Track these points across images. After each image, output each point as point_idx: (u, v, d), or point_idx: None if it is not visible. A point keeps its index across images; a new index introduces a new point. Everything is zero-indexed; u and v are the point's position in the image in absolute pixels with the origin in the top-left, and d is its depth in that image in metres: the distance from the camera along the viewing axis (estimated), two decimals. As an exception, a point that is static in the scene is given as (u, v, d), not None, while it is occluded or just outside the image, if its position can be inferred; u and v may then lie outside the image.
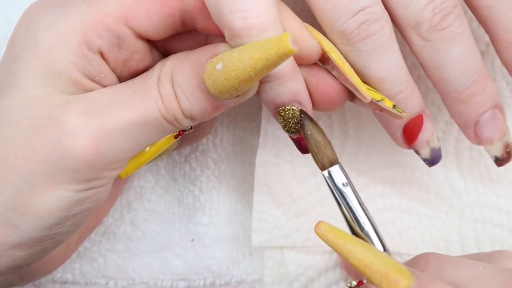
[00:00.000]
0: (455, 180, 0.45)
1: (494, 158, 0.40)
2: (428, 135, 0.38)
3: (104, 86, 0.33)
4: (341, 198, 0.34)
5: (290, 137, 0.36)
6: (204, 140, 0.47)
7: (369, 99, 0.34)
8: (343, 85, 0.35)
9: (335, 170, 0.34)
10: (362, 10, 0.34)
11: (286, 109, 0.34)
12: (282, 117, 0.34)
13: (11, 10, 0.40)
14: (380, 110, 0.36)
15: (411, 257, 0.43)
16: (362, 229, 0.33)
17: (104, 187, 0.33)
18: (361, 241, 0.31)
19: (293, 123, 0.34)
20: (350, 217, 0.34)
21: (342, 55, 0.36)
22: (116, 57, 0.33)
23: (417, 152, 0.39)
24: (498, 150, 0.39)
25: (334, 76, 0.35)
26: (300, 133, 0.34)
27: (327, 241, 0.30)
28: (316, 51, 0.34)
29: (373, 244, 0.33)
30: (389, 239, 0.45)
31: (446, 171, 0.45)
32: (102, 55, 0.33)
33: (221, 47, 0.32)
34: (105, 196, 0.34)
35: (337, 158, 0.34)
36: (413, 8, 0.35)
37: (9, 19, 0.43)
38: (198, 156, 0.48)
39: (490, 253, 0.35)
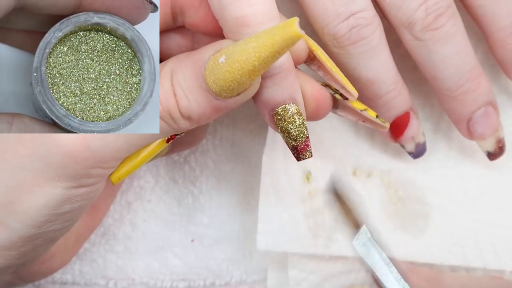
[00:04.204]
0: (469, 183, 0.44)
1: (486, 153, 0.41)
2: (413, 131, 0.40)
3: None
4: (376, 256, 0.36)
5: (286, 142, 0.35)
6: (203, 141, 0.47)
7: (356, 95, 0.35)
8: (329, 92, 0.36)
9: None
10: (353, 15, 0.36)
11: (285, 108, 0.33)
12: (282, 117, 0.34)
13: None
14: (363, 121, 0.37)
15: (427, 266, 0.43)
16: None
17: (96, 186, 0.33)
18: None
19: (293, 125, 0.34)
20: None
21: (333, 57, 0.37)
22: None
23: (402, 146, 0.41)
24: (490, 145, 0.41)
25: (319, 81, 0.35)
26: (299, 140, 0.34)
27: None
28: (304, 49, 0.35)
29: None
30: (402, 248, 0.44)
31: (460, 175, 0.44)
32: None
33: (224, 42, 0.32)
34: (97, 195, 0.34)
35: (358, 224, 0.36)
36: (406, 8, 0.36)
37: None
38: (198, 157, 0.48)
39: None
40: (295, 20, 0.27)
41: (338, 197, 0.36)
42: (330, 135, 0.45)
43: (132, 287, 0.48)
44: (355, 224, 0.36)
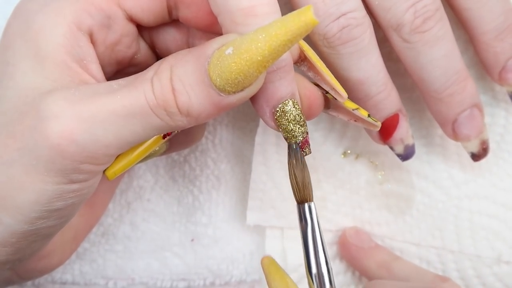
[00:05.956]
0: (455, 170, 0.45)
1: (470, 154, 0.42)
2: (402, 133, 0.40)
3: (90, 74, 0.33)
4: (305, 233, 0.35)
5: (287, 138, 0.35)
6: (203, 140, 0.48)
7: (345, 96, 0.35)
8: (321, 92, 0.36)
9: (307, 208, 0.35)
10: (343, 15, 0.36)
11: (286, 104, 0.33)
12: (284, 114, 0.33)
13: (10, 9, 0.40)
14: (355, 120, 0.37)
15: (406, 244, 0.45)
16: (318, 266, 0.34)
17: (88, 183, 0.32)
18: (285, 281, 0.34)
19: (294, 122, 0.34)
20: (309, 253, 0.35)
21: (323, 57, 0.37)
22: (105, 39, 0.34)
23: (391, 148, 0.41)
24: (474, 146, 0.42)
25: (310, 80, 0.36)
26: (300, 137, 0.34)
27: (264, 272, 0.35)
28: (295, 48, 0.34)
29: (323, 281, 0.35)
30: (384, 226, 0.46)
31: (446, 161, 0.46)
32: (91, 36, 0.34)
33: (230, 36, 0.31)
34: (91, 192, 0.33)
35: (307, 199, 0.35)
36: (395, 11, 0.37)
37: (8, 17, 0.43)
38: (198, 156, 0.48)
39: (434, 278, 0.38)
40: (311, 7, 0.27)
41: (291, 162, 0.34)
42: (325, 118, 0.46)
43: (132, 287, 0.48)
44: (303, 197, 0.34)
